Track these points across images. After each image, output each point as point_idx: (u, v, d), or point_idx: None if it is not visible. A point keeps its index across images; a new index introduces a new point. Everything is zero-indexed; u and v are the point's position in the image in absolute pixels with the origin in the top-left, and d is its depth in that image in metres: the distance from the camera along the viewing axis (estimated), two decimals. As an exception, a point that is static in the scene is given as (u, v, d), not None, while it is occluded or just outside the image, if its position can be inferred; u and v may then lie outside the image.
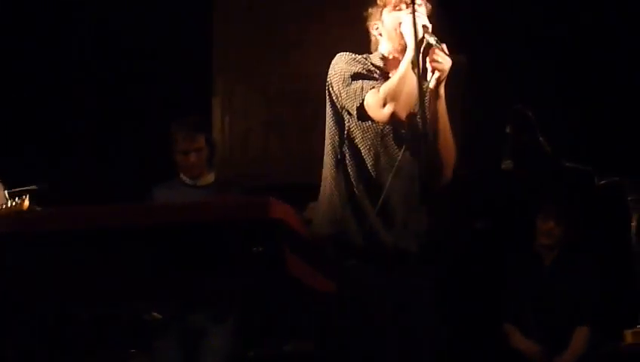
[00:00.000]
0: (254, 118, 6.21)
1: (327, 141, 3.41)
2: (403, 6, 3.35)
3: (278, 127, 6.18)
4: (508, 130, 3.80)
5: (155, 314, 4.14)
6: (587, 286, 5.10)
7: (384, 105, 3.19)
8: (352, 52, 3.41)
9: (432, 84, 3.23)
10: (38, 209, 3.36)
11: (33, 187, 3.72)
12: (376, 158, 3.30)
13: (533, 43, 5.48)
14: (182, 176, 4.74)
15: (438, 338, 3.35)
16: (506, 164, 3.75)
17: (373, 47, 3.51)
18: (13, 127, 5.80)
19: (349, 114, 3.33)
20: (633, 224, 3.86)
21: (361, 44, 3.39)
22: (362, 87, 3.27)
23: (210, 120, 6.05)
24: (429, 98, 3.25)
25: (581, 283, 5.12)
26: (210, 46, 6.22)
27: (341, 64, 3.34)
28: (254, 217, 2.46)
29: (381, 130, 3.30)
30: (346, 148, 3.35)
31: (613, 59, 5.64)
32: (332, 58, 3.30)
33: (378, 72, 3.39)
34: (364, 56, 3.45)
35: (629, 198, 3.91)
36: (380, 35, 3.45)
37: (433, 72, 3.22)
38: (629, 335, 4.13)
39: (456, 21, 3.61)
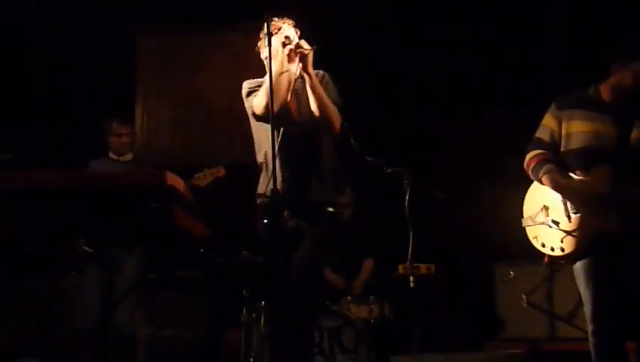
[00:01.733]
0: (164, 118, 6.08)
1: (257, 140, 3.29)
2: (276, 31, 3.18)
3: (181, 125, 6.05)
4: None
5: (86, 247, 4.07)
6: (370, 234, 5.09)
7: (263, 100, 3.06)
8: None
9: (301, 69, 3.09)
10: None
11: None
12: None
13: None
14: (110, 154, 4.78)
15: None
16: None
17: (267, 69, 3.22)
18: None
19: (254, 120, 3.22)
20: (406, 198, 4.04)
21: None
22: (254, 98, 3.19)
23: (133, 118, 5.96)
24: (306, 79, 3.11)
25: (367, 232, 5.08)
26: (134, 66, 6.06)
27: (242, 89, 3.17)
28: (154, 183, 2.49)
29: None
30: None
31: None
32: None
33: None
34: (259, 79, 3.26)
35: (405, 181, 4.10)
36: (266, 58, 3.14)
37: (301, 59, 3.06)
38: (401, 268, 4.35)
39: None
